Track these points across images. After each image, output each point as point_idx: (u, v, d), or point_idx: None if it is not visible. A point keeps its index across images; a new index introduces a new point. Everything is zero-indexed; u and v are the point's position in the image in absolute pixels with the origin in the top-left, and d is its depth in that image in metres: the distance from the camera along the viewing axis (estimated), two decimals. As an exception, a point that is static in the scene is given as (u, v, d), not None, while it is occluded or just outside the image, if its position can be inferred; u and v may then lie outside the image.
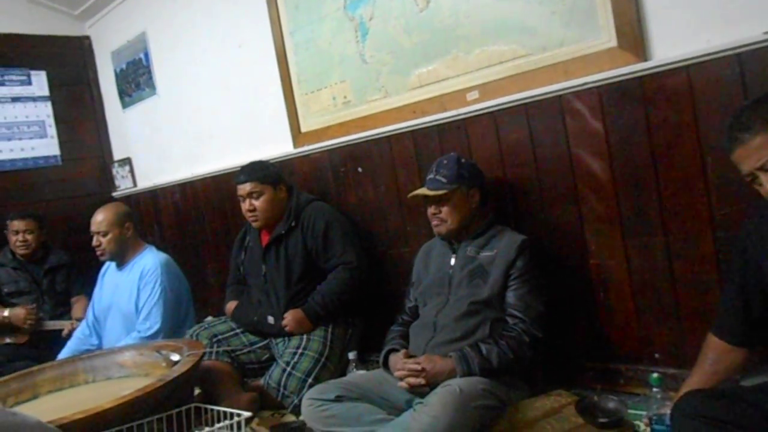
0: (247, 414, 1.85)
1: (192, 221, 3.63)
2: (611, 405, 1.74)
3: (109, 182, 4.20)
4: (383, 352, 2.06)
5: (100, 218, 2.77)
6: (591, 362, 2.05)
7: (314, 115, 2.84)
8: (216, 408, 1.92)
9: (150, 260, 2.79)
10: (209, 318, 3.23)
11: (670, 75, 1.74)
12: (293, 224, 2.55)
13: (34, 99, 3.95)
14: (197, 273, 3.62)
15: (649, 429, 1.61)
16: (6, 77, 3.85)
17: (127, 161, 4.06)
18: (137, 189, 4.02)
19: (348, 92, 2.66)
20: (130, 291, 2.78)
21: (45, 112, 3.98)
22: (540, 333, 1.87)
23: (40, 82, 3.98)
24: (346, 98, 2.68)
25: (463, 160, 2.05)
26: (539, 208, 2.10)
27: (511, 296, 1.92)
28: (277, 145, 3.01)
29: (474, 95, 2.22)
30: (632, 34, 1.80)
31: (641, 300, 1.91)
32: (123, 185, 4.12)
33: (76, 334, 2.99)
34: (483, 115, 2.18)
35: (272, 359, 2.55)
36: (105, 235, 2.76)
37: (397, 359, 1.97)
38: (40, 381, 2.33)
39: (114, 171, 4.17)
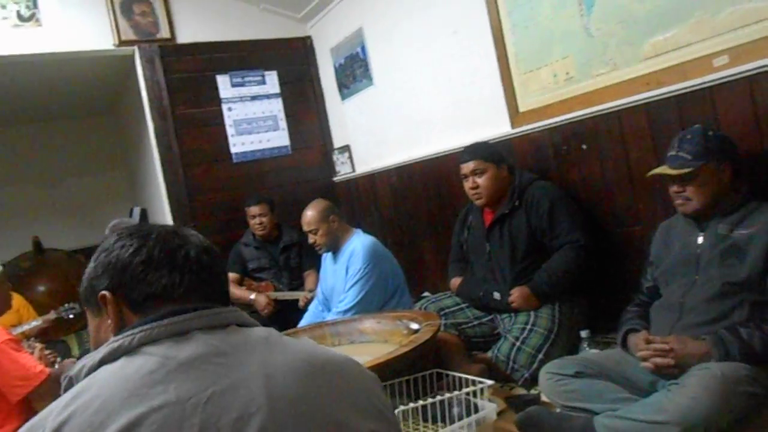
0: (489, 382, 1.95)
1: (408, 202, 3.85)
2: None
3: (331, 168, 4.60)
4: (621, 332, 2.02)
5: (308, 218, 3.01)
6: None
7: (533, 94, 2.84)
8: (458, 375, 2.05)
9: (356, 243, 2.97)
10: (426, 293, 3.41)
11: None
12: (517, 203, 2.59)
13: (268, 96, 4.47)
14: (413, 251, 3.83)
15: None
16: (246, 79, 4.41)
17: (346, 148, 4.41)
18: (356, 174, 4.36)
19: (571, 68, 2.62)
20: (343, 274, 3.01)
21: (277, 107, 4.48)
22: (814, 319, 1.69)
23: (272, 81, 4.49)
24: (568, 74, 2.64)
25: (710, 133, 1.90)
26: (807, 181, 1.89)
27: (775, 278, 1.76)
28: (494, 127, 3.06)
29: (722, 60, 2.05)
30: None
31: None
32: (343, 171, 4.49)
33: (311, 308, 3.32)
34: (734, 81, 2.01)
35: (497, 334, 2.63)
36: (316, 232, 2.99)
37: (638, 339, 1.92)
38: (295, 343, 2.67)
39: (334, 158, 4.56)
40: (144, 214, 5.45)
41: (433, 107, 3.53)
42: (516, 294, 2.50)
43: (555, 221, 2.50)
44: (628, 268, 2.47)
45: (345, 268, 2.98)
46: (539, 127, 2.80)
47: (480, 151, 2.68)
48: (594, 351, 2.21)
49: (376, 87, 3.99)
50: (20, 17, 3.79)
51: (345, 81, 4.31)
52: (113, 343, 0.79)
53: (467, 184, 2.70)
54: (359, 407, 0.81)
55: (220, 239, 4.12)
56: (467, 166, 2.68)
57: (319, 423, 0.77)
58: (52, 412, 0.74)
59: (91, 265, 0.90)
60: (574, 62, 2.60)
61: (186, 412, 0.71)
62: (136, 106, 4.78)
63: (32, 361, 2.25)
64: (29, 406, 2.24)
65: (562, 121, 2.67)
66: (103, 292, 0.86)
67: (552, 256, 2.51)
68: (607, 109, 2.45)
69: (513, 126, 2.96)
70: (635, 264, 2.39)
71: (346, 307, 2.87)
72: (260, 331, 0.86)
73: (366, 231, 3.14)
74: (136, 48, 4.09)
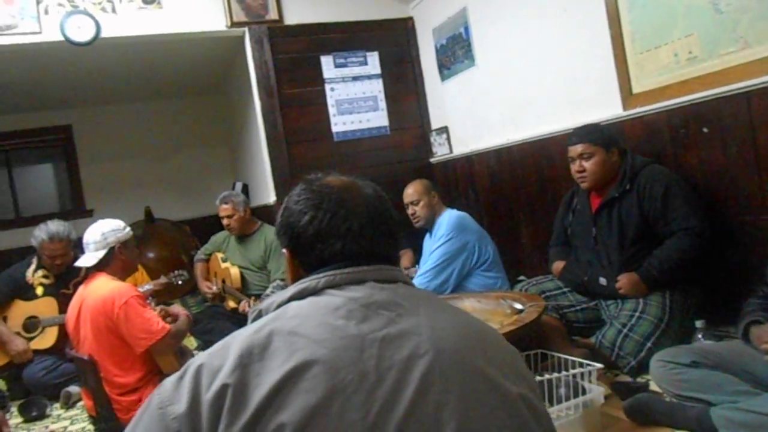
0: (599, 365, 1.92)
1: (507, 185, 3.81)
2: None
3: (428, 149, 4.62)
4: (743, 324, 1.92)
5: (411, 191, 3.25)
6: None
7: (649, 75, 2.72)
8: (564, 356, 2.03)
9: (445, 217, 3.16)
10: (522, 277, 3.38)
11: None
12: (628, 187, 2.51)
13: (369, 77, 4.54)
14: (510, 234, 3.80)
15: None
16: (348, 59, 4.49)
17: (444, 129, 4.42)
18: (453, 155, 4.35)
19: (695, 47, 2.49)
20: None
21: (377, 88, 4.55)
22: None
23: (373, 61, 4.55)
24: (691, 53, 2.51)
25: None
26: None
27: None
28: (603, 109, 2.96)
29: None
30: None
31: None
32: (440, 152, 4.50)
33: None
34: None
35: (600, 320, 2.57)
36: (417, 203, 3.20)
37: (763, 332, 1.82)
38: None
39: (432, 139, 4.57)
40: (245, 188, 5.73)
41: (537, 89, 3.46)
42: (624, 280, 2.43)
43: (669, 206, 2.41)
44: (750, 258, 2.35)
45: (436, 238, 3.14)
46: (655, 109, 2.68)
47: (589, 134, 2.61)
48: (709, 342, 2.12)
49: (478, 67, 3.95)
50: (144, 0, 4.04)
51: (446, 62, 4.30)
52: (302, 284, 0.90)
53: (574, 167, 2.64)
54: (509, 372, 0.86)
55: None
56: (575, 149, 2.62)
57: (474, 375, 0.82)
58: (248, 328, 0.84)
59: (279, 218, 1.02)
60: (698, 40, 2.46)
61: (366, 343, 0.80)
62: (243, 85, 4.99)
63: (156, 317, 2.43)
64: (151, 359, 2.43)
65: (681, 102, 2.55)
66: (284, 250, 1.01)
67: (665, 243, 2.41)
68: (735, 90, 2.32)
69: (625, 108, 2.85)
70: (759, 254, 2.27)
71: (427, 269, 3.03)
72: (423, 291, 0.96)
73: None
74: (246, 29, 4.26)
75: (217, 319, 3.85)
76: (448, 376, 0.79)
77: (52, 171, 6.84)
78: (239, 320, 3.79)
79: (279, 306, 0.88)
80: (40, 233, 3.37)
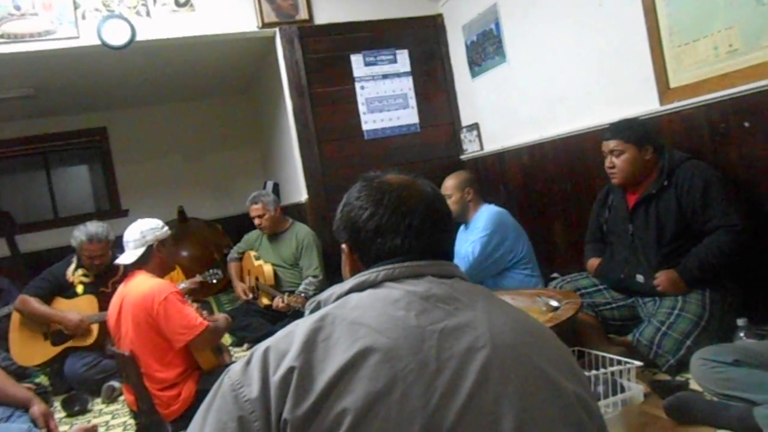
0: (637, 363, 1.90)
1: (539, 182, 3.78)
2: None
3: (458, 146, 4.61)
4: (787, 322, 1.88)
5: (447, 184, 3.31)
6: None
7: (687, 69, 2.67)
8: (602, 354, 2.01)
9: (484, 212, 3.21)
10: (555, 274, 3.35)
11: None
12: (666, 183, 2.47)
13: (398, 75, 4.54)
14: (543, 232, 3.77)
15: None
16: (378, 58, 4.50)
17: (474, 126, 4.39)
18: (483, 152, 4.33)
19: (735, 39, 2.43)
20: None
21: (407, 86, 4.54)
22: None
23: (403, 59, 4.55)
24: (731, 46, 2.45)
25: None
26: None
27: None
28: (639, 104, 2.91)
29: None
30: None
31: None
32: (470, 149, 4.48)
33: None
34: None
35: (636, 317, 2.54)
36: (449, 197, 3.24)
37: (808, 330, 1.79)
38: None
39: (462, 136, 4.55)
40: (276, 188, 5.79)
41: (570, 84, 3.42)
42: (662, 277, 2.40)
43: (709, 203, 2.36)
44: (793, 256, 2.29)
45: (473, 233, 3.17)
46: (693, 103, 2.63)
47: (623, 131, 2.58)
48: (751, 341, 2.08)
49: (509, 64, 3.93)
50: (177, 3, 4.11)
51: (476, 58, 4.27)
52: (360, 277, 0.92)
53: (606, 162, 2.63)
54: (564, 370, 0.86)
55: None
56: (607, 145, 2.61)
57: (531, 371, 0.82)
58: (311, 317, 0.86)
59: (338, 213, 1.04)
60: (739, 33, 2.41)
61: (426, 334, 0.82)
62: (273, 85, 5.04)
63: (194, 313, 2.47)
64: (190, 355, 2.47)
65: (721, 96, 2.49)
66: (343, 245, 1.03)
67: (704, 240, 2.36)
68: (778, 83, 2.27)
69: (662, 103, 2.80)
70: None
71: (470, 261, 3.02)
72: (479, 287, 0.97)
73: (496, 207, 3.28)
74: (277, 29, 4.29)
75: (251, 316, 3.92)
76: (506, 370, 0.80)
77: (88, 172, 7.00)
78: (273, 317, 3.85)
79: (339, 297, 0.91)
80: (79, 234, 3.45)
